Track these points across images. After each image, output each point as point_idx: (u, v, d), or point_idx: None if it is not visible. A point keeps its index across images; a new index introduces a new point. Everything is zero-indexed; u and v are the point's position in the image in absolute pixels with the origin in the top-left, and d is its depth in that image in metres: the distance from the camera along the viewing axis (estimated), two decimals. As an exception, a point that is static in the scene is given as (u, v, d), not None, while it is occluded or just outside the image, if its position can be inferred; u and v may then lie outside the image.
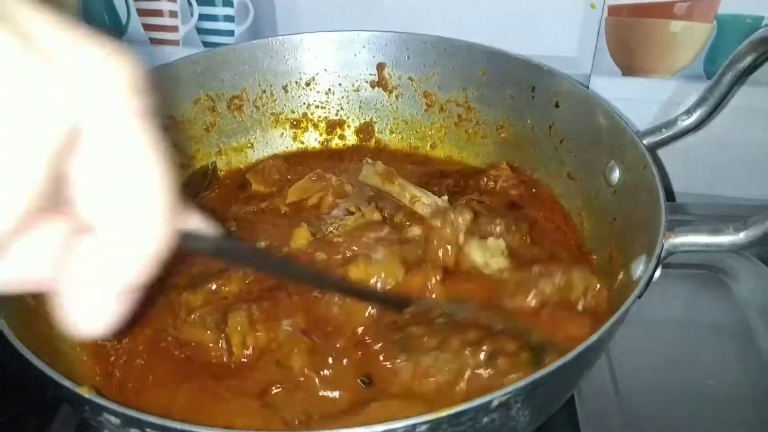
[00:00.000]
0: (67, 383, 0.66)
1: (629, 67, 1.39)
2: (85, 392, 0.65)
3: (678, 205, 1.42)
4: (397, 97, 1.41)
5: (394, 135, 1.44)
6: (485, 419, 0.68)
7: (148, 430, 0.64)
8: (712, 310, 1.25)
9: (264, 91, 1.40)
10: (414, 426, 0.63)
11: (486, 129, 1.35)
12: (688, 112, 1.06)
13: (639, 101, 1.40)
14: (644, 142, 1.02)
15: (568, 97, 1.17)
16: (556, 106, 1.20)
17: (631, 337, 1.11)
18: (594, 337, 0.72)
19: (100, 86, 0.31)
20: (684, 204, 1.44)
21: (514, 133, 1.30)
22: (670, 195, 1.08)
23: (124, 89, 0.33)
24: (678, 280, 1.26)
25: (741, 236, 0.83)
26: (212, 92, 1.35)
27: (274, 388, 0.85)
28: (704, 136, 1.27)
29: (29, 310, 0.96)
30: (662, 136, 1.05)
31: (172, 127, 1.32)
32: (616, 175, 1.06)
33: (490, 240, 1.02)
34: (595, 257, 1.11)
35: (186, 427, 0.61)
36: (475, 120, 1.36)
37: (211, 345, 0.92)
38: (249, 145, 1.42)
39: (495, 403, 0.66)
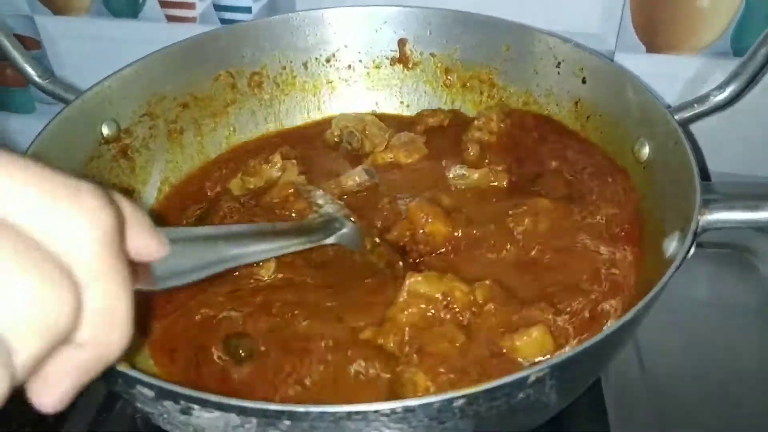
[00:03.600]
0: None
1: (654, 44, 1.36)
2: (119, 366, 0.65)
3: (707, 185, 1.39)
4: (418, 73, 1.39)
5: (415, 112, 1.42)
6: (520, 395, 0.67)
7: (182, 402, 0.64)
8: (737, 290, 1.23)
9: (284, 68, 1.38)
10: (450, 400, 0.63)
11: (510, 106, 1.32)
12: (720, 87, 1.04)
13: (663, 78, 1.38)
14: (675, 117, 1.00)
15: (596, 73, 1.15)
16: (583, 81, 1.18)
17: (656, 317, 1.09)
18: (630, 314, 0.71)
19: (73, 248, 0.35)
20: (712, 183, 1.42)
21: (539, 110, 1.28)
22: (704, 174, 1.05)
23: (94, 248, 0.36)
24: (703, 260, 1.25)
25: (778, 213, 0.81)
26: (232, 69, 1.34)
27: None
28: (736, 112, 1.25)
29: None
30: (694, 112, 1.03)
31: (192, 104, 1.31)
32: (645, 151, 1.04)
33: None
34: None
35: (223, 399, 0.61)
36: (498, 97, 1.34)
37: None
38: (268, 121, 1.40)
39: (532, 378, 0.65)
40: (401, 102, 1.43)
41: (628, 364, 1.07)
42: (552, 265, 1.01)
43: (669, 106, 1.04)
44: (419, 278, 0.93)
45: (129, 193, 1.21)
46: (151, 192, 1.25)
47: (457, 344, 0.88)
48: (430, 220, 1.04)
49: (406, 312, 0.93)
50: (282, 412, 0.61)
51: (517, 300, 0.96)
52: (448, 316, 0.93)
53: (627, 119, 1.09)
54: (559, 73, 1.22)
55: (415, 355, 0.86)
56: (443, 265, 1.02)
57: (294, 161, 1.24)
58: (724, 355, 1.12)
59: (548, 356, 0.86)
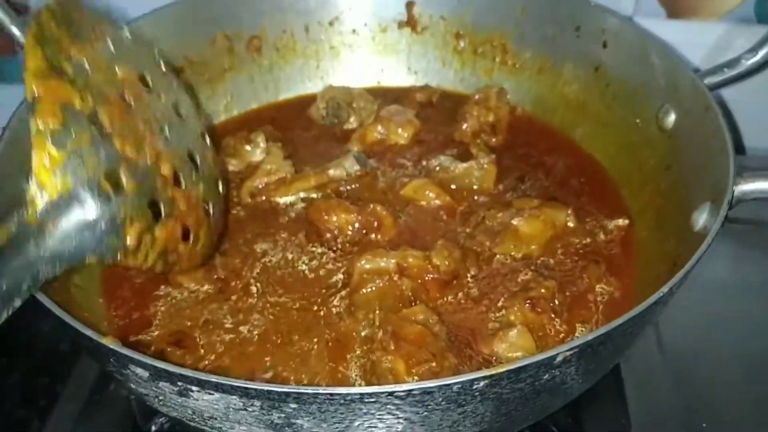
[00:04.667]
0: (89, 333, 0.60)
1: (675, 9, 1.29)
2: (109, 342, 0.59)
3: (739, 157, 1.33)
4: (426, 38, 1.32)
5: (424, 80, 1.36)
6: (546, 376, 0.62)
7: (180, 384, 0.58)
8: (760, 267, 1.18)
9: (284, 31, 1.31)
10: (472, 382, 0.57)
11: (524, 72, 1.26)
12: (753, 50, 0.98)
13: (684, 45, 1.30)
14: (704, 82, 0.93)
15: (618, 36, 1.09)
16: (604, 46, 1.11)
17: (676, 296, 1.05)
18: (665, 288, 0.65)
19: None
20: (744, 157, 1.35)
21: (555, 76, 1.21)
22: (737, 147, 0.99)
23: None
24: (725, 236, 1.19)
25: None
26: (230, 32, 1.27)
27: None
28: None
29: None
30: (724, 77, 0.97)
31: (188, 68, 1.24)
32: (671, 119, 0.98)
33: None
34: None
35: (224, 380, 0.55)
36: (512, 63, 1.27)
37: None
38: (268, 89, 1.34)
39: (560, 358, 0.60)
40: (409, 68, 1.36)
41: (647, 346, 1.02)
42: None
43: (697, 71, 0.97)
44: (367, 256, 0.92)
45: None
46: (146, 162, 1.18)
47: (431, 324, 0.84)
48: None
49: (363, 291, 0.91)
50: (288, 394, 0.56)
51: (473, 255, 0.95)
52: (405, 284, 0.90)
53: (651, 85, 1.03)
54: (578, 37, 1.15)
55: (390, 341, 0.81)
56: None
57: (279, 144, 1.17)
58: (745, 334, 1.07)
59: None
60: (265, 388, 0.56)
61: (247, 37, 1.28)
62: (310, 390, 0.55)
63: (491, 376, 0.57)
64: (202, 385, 0.57)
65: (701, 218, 0.83)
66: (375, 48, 1.35)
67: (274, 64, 1.32)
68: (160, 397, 0.64)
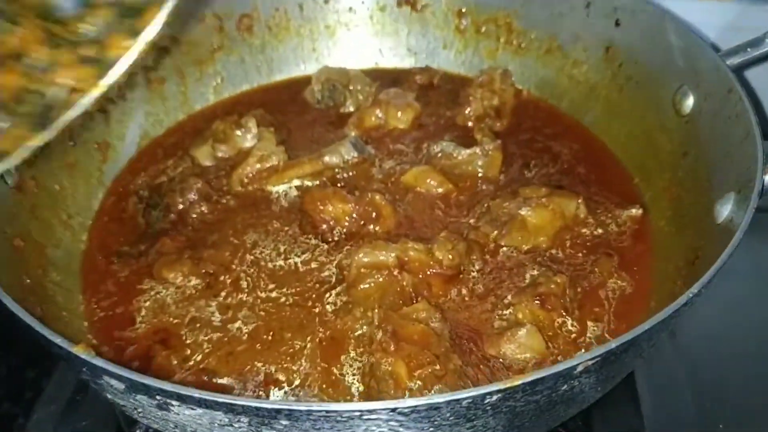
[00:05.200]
0: (59, 340, 0.54)
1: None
2: (80, 352, 0.53)
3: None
4: (426, 16, 1.25)
5: (424, 61, 1.29)
6: (564, 387, 0.57)
7: (158, 397, 0.52)
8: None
9: (277, 10, 1.23)
10: (483, 396, 0.52)
11: (530, 53, 1.19)
12: (777, 28, 0.91)
13: (695, 26, 1.24)
14: (726, 63, 0.87)
15: (632, 14, 1.02)
16: (617, 24, 1.05)
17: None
18: (695, 289, 0.60)
19: None
20: None
21: (563, 57, 1.15)
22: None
23: None
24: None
25: None
26: (219, 10, 1.19)
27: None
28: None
29: (18, 253, 0.84)
30: (747, 57, 0.90)
31: (174, 48, 1.17)
32: (689, 102, 0.92)
33: None
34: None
35: (207, 395, 0.49)
36: (517, 43, 1.20)
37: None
38: (260, 71, 1.27)
39: (580, 368, 0.54)
40: (408, 49, 1.29)
41: (661, 345, 0.97)
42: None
43: (719, 51, 0.91)
44: (365, 249, 0.86)
45: (104, 147, 1.08)
46: (129, 148, 1.12)
47: (434, 323, 0.78)
48: None
49: (360, 287, 0.85)
50: (279, 411, 0.50)
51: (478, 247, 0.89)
52: (406, 279, 0.84)
53: (667, 66, 0.97)
54: (588, 15, 1.08)
55: (390, 342, 0.75)
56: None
57: (272, 129, 1.10)
58: (764, 330, 1.02)
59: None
60: (254, 404, 0.50)
61: (238, 16, 1.21)
62: (302, 407, 0.49)
63: (505, 389, 0.51)
64: (183, 399, 0.51)
65: (725, 209, 0.77)
66: (373, 27, 1.28)
67: (266, 43, 1.25)
68: (139, 410, 0.59)
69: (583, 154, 1.08)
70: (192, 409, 0.52)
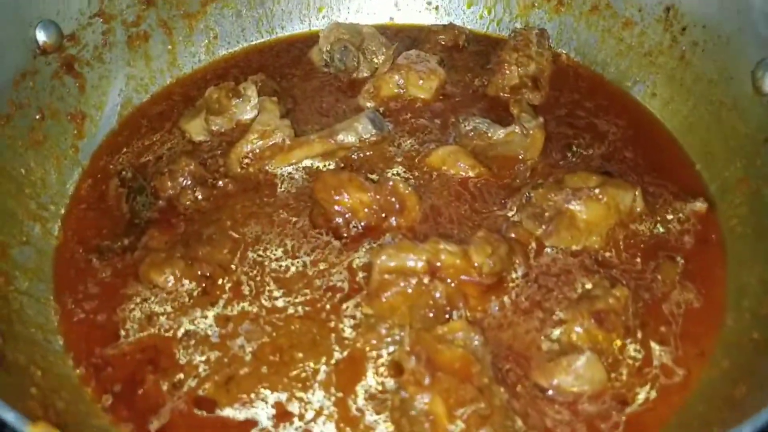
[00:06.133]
0: (11, 417, 0.41)
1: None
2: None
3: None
4: (453, -34, 1.08)
5: (446, 18, 1.13)
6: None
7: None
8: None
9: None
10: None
11: (572, 11, 1.03)
12: None
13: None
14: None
15: (704, -32, 0.86)
16: (682, -21, 0.89)
17: None
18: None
19: None
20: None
21: (611, 16, 0.99)
22: None
23: None
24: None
25: None
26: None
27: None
28: None
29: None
30: None
31: (158, 1, 0.99)
32: (773, 78, 0.78)
33: None
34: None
35: None
36: (556, -1, 1.04)
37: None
38: (259, 27, 1.10)
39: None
40: (429, 2, 1.13)
41: None
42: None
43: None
44: (389, 251, 0.72)
45: (78, 119, 0.92)
46: (109, 118, 0.96)
47: (474, 346, 0.66)
48: None
49: (384, 297, 0.72)
50: None
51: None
52: (438, 289, 0.72)
53: (747, 33, 0.82)
54: (646, -33, 0.92)
55: (425, 373, 0.63)
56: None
57: (275, 99, 0.94)
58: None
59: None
60: None
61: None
62: None
63: None
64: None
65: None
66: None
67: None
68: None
69: (633, 133, 0.94)
70: None
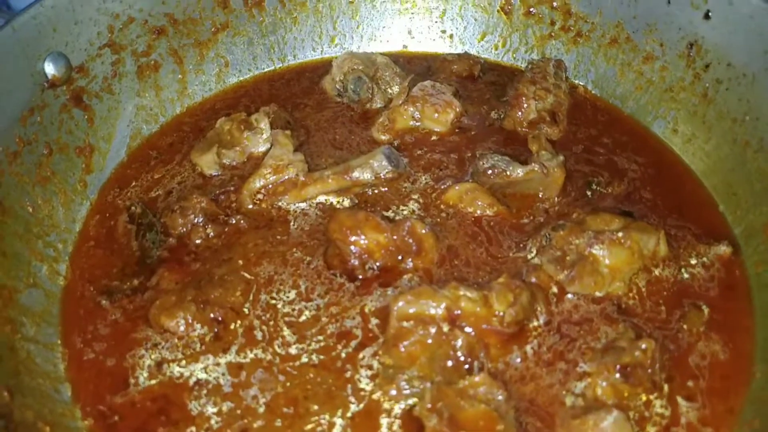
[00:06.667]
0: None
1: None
2: None
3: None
4: (468, -5, 1.07)
5: (461, 47, 1.11)
6: None
7: None
8: None
9: (293, -19, 1.05)
10: None
11: (590, 43, 1.01)
12: None
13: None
14: None
15: (731, 6, 0.84)
16: (706, 17, 0.87)
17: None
18: None
19: None
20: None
21: (631, 50, 0.97)
22: None
23: None
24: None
25: None
26: (224, -19, 1.01)
27: None
28: None
29: None
30: None
31: (170, 29, 0.97)
32: (805, 123, 0.76)
33: None
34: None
35: None
36: (575, 30, 1.02)
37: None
38: (271, 55, 1.08)
39: None
40: (443, 31, 1.11)
41: None
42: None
43: None
44: (408, 297, 0.70)
45: (87, 152, 0.90)
46: (118, 151, 0.94)
47: (497, 401, 0.64)
48: None
49: (402, 346, 0.70)
50: None
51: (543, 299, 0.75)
52: (459, 339, 0.69)
53: (775, 74, 0.79)
54: (669, 2, 0.90)
55: (447, 431, 0.62)
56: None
57: (288, 132, 0.92)
58: None
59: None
60: None
61: (245, -12, 1.03)
62: None
63: None
64: None
65: None
66: (402, 4, 1.09)
67: (279, 22, 1.07)
68: None
69: (654, 172, 0.92)
70: None
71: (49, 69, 0.83)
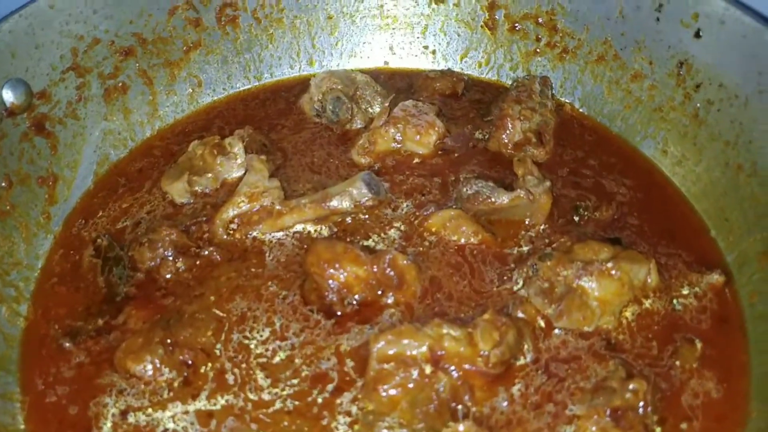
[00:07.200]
0: None
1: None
2: None
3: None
4: (450, 8, 1.03)
5: (443, 63, 1.07)
6: None
7: None
8: None
9: (267, -3, 1.01)
10: None
11: (577, 60, 0.98)
12: None
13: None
14: None
15: (722, 25, 0.81)
16: (697, 35, 0.84)
17: None
18: None
19: None
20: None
21: (619, 68, 0.94)
22: None
23: None
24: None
25: None
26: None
27: None
28: None
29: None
30: None
31: (139, 50, 0.93)
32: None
33: None
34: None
35: None
36: (561, 47, 0.99)
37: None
38: (246, 73, 1.04)
39: None
40: (425, 47, 1.07)
41: None
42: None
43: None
44: (388, 336, 0.66)
45: (50, 182, 0.86)
46: (84, 179, 0.90)
47: None
48: None
49: (383, 390, 0.66)
50: None
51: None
52: (442, 381, 0.66)
53: (766, 97, 0.76)
54: (658, 19, 0.87)
55: None
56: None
57: (263, 157, 0.88)
58: None
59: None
60: None
61: (218, 5, 0.99)
62: None
63: None
64: None
65: None
66: (383, 20, 1.06)
67: (254, 39, 1.03)
68: None
69: (643, 195, 0.88)
70: None
71: (8, 97, 0.79)
